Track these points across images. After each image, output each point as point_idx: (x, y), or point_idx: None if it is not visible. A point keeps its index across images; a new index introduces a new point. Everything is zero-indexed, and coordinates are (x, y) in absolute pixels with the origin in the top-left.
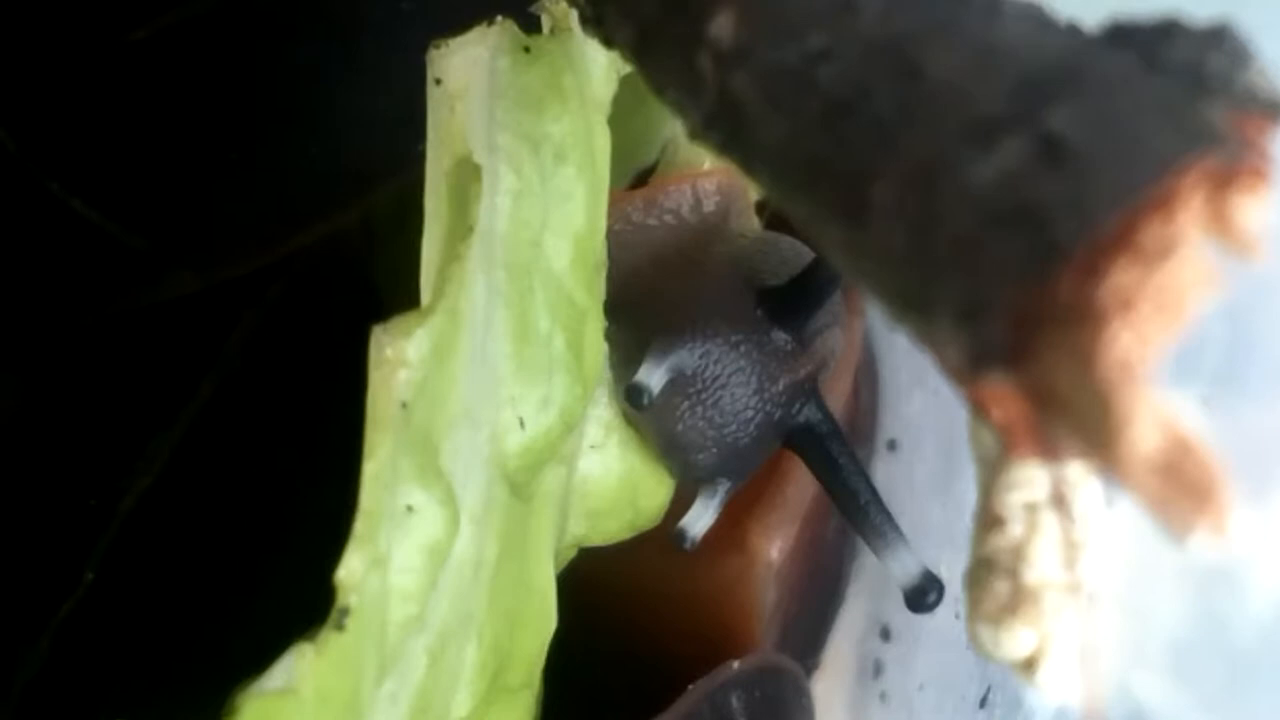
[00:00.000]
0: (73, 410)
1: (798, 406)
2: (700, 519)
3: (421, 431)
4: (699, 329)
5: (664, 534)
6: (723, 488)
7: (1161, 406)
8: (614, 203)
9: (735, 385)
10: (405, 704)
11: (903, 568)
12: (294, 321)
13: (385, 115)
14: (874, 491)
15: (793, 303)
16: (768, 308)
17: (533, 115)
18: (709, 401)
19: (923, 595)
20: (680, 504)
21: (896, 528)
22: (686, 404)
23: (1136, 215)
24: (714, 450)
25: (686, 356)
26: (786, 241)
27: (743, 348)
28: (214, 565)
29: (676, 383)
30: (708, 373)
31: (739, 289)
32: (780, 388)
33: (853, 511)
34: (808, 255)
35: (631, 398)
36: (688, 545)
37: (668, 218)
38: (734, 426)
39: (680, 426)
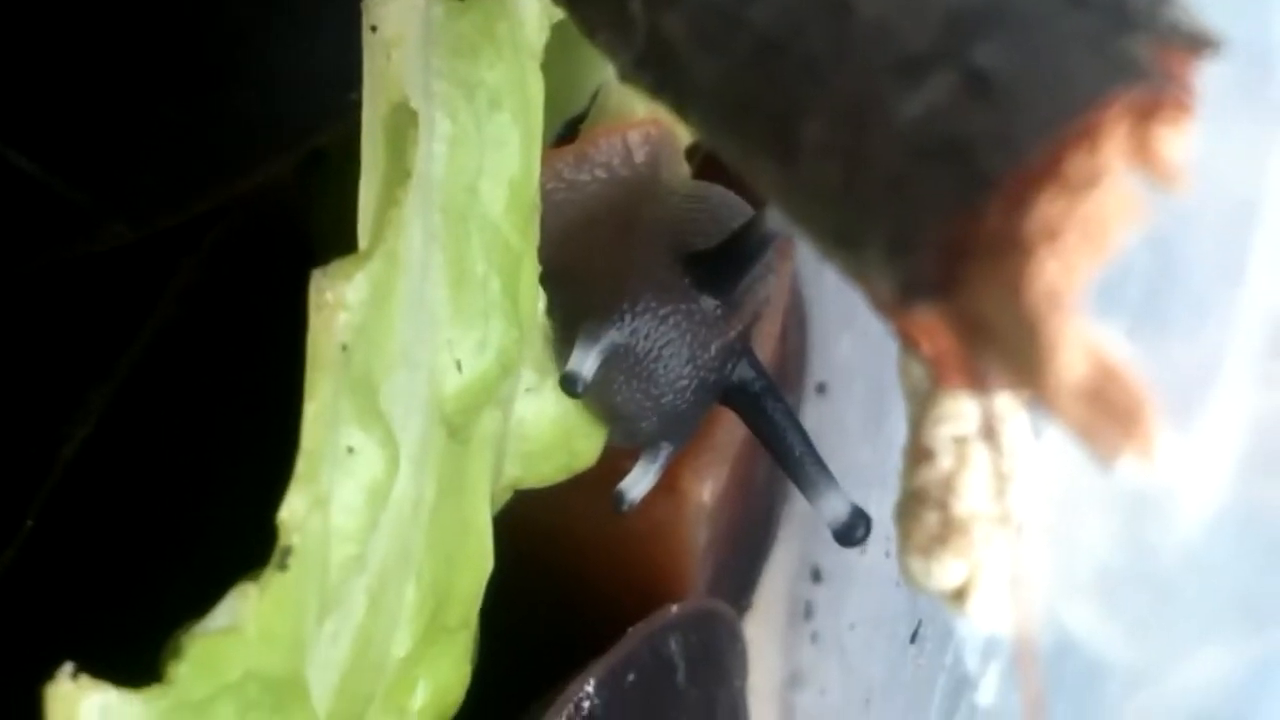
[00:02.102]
0: (10, 361)
1: (730, 366)
2: (640, 482)
3: (361, 374)
4: (628, 307)
5: (597, 477)
6: (665, 451)
7: (1087, 334)
8: (546, 161)
9: (668, 357)
10: (346, 643)
11: (833, 510)
12: (231, 270)
13: (320, 64)
14: (808, 443)
15: (721, 269)
16: (695, 276)
17: (467, 62)
18: (643, 374)
19: (851, 531)
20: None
21: (829, 475)
22: (622, 378)
23: (1062, 147)
24: (654, 418)
25: (617, 336)
26: (717, 192)
27: (672, 319)
28: (155, 511)
29: (610, 360)
30: (639, 348)
31: (668, 260)
32: (712, 353)
33: (788, 463)
34: (738, 207)
35: (566, 386)
36: (626, 508)
37: (599, 172)
38: (670, 395)
39: (619, 399)
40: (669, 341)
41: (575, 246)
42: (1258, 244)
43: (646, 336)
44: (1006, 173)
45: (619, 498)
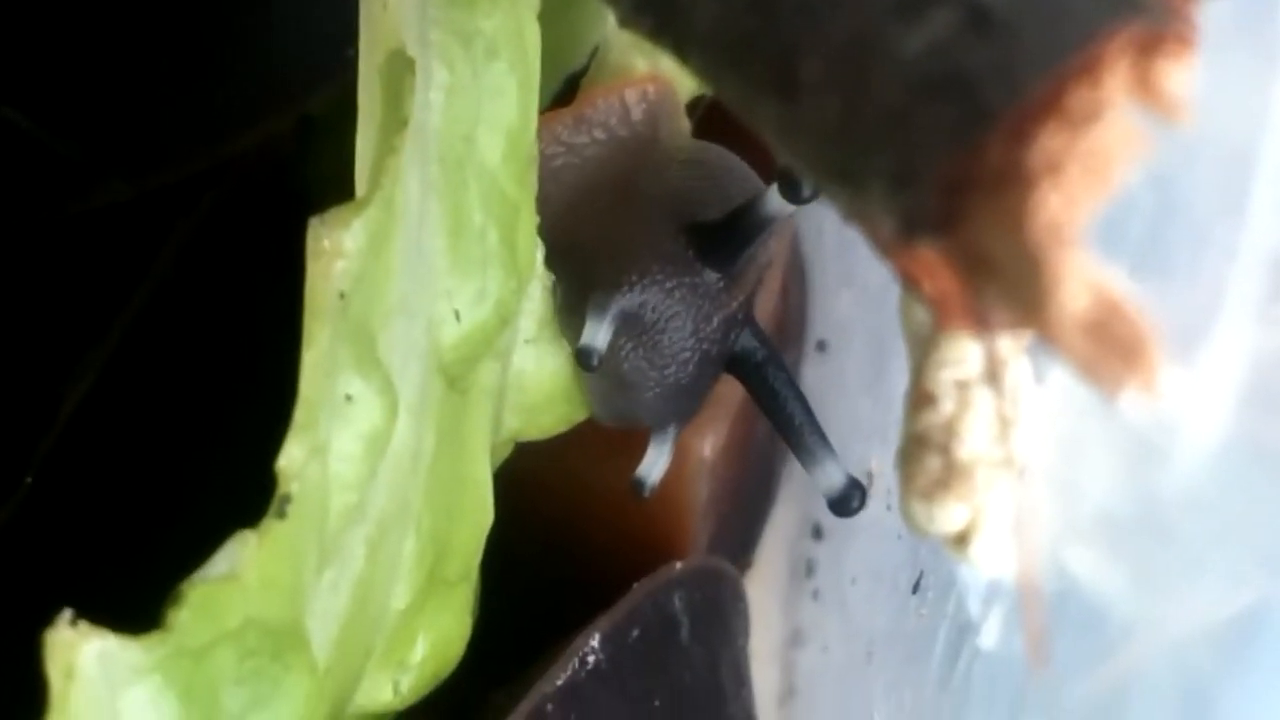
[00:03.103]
0: (9, 319)
1: (733, 336)
2: (656, 464)
3: (359, 322)
4: (636, 279)
5: (597, 431)
6: (672, 430)
7: (1090, 268)
8: (543, 124)
9: (673, 330)
10: (346, 594)
11: (829, 479)
12: (228, 228)
13: (316, 19)
14: (808, 412)
15: (724, 243)
16: (699, 248)
17: (464, 11)
18: (649, 344)
19: (847, 500)
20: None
21: (828, 445)
22: (630, 345)
23: (1063, 81)
24: (658, 390)
25: (626, 304)
26: (715, 154)
27: (678, 293)
28: (154, 465)
29: (618, 329)
30: (646, 319)
31: (672, 231)
32: (715, 325)
33: (787, 432)
34: (739, 171)
35: (581, 360)
36: (647, 493)
37: (598, 133)
38: (673, 368)
39: (625, 366)
40: (675, 314)
41: (579, 216)
42: (1260, 180)
43: (654, 309)
44: (1008, 107)
45: (640, 484)
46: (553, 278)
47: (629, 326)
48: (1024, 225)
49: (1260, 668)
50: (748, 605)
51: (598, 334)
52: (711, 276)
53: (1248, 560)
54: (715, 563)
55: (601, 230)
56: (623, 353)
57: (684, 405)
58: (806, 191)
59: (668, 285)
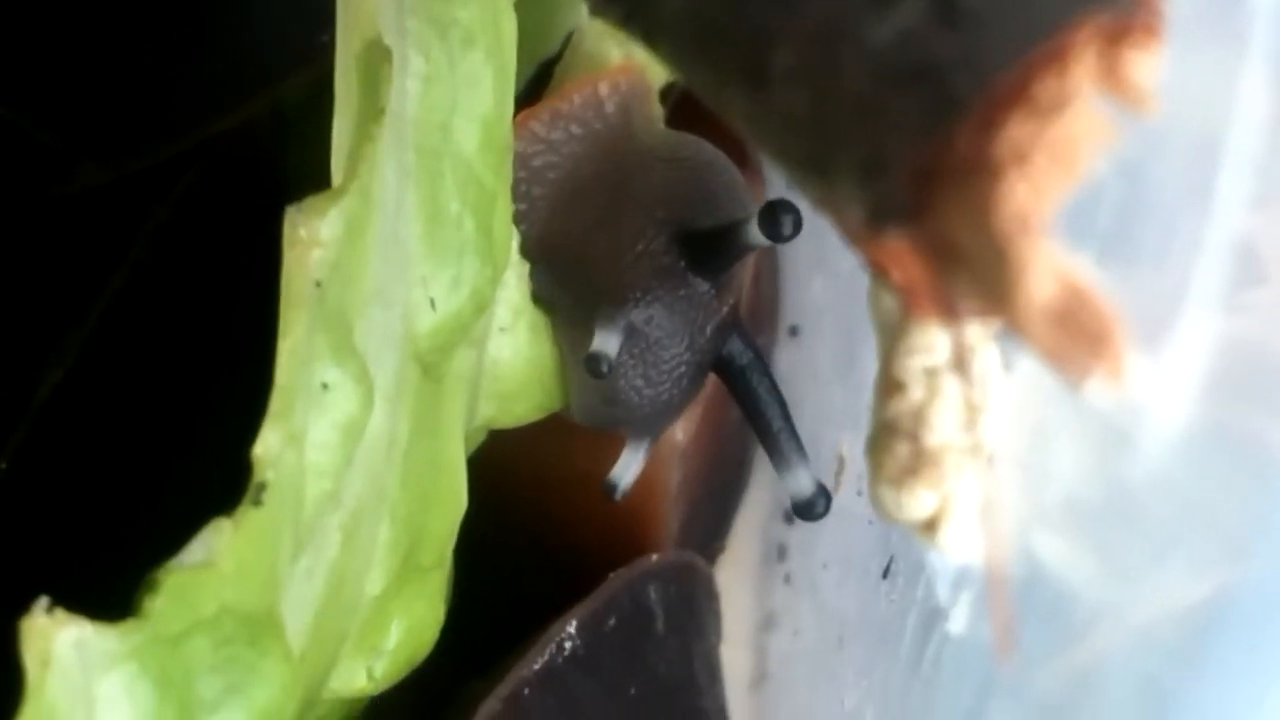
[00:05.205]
0: None
1: (721, 340)
2: (629, 469)
3: (335, 310)
4: (640, 295)
5: (569, 417)
6: (650, 437)
7: (1056, 257)
8: (520, 122)
9: (670, 344)
10: (320, 580)
11: (798, 485)
12: (204, 213)
13: (293, 4)
14: (786, 418)
15: (715, 254)
16: (689, 258)
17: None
18: (648, 360)
19: (811, 506)
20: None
21: (801, 451)
22: (630, 361)
23: (1031, 70)
24: (648, 410)
25: (634, 318)
26: (693, 148)
27: (676, 307)
28: (130, 451)
29: (624, 342)
30: (650, 335)
31: (663, 243)
32: (708, 334)
33: (765, 435)
34: (718, 164)
35: (591, 366)
36: (618, 496)
37: (574, 128)
38: (667, 384)
39: (621, 383)
40: (673, 329)
41: (570, 222)
42: (1226, 169)
43: (658, 325)
44: (976, 96)
45: (611, 486)
46: (549, 283)
47: (632, 342)
48: (991, 214)
49: (1225, 653)
50: (720, 605)
51: (609, 341)
52: (702, 286)
53: (1213, 546)
54: (690, 558)
55: (595, 239)
56: (621, 369)
57: (669, 419)
58: (787, 230)
59: (667, 300)
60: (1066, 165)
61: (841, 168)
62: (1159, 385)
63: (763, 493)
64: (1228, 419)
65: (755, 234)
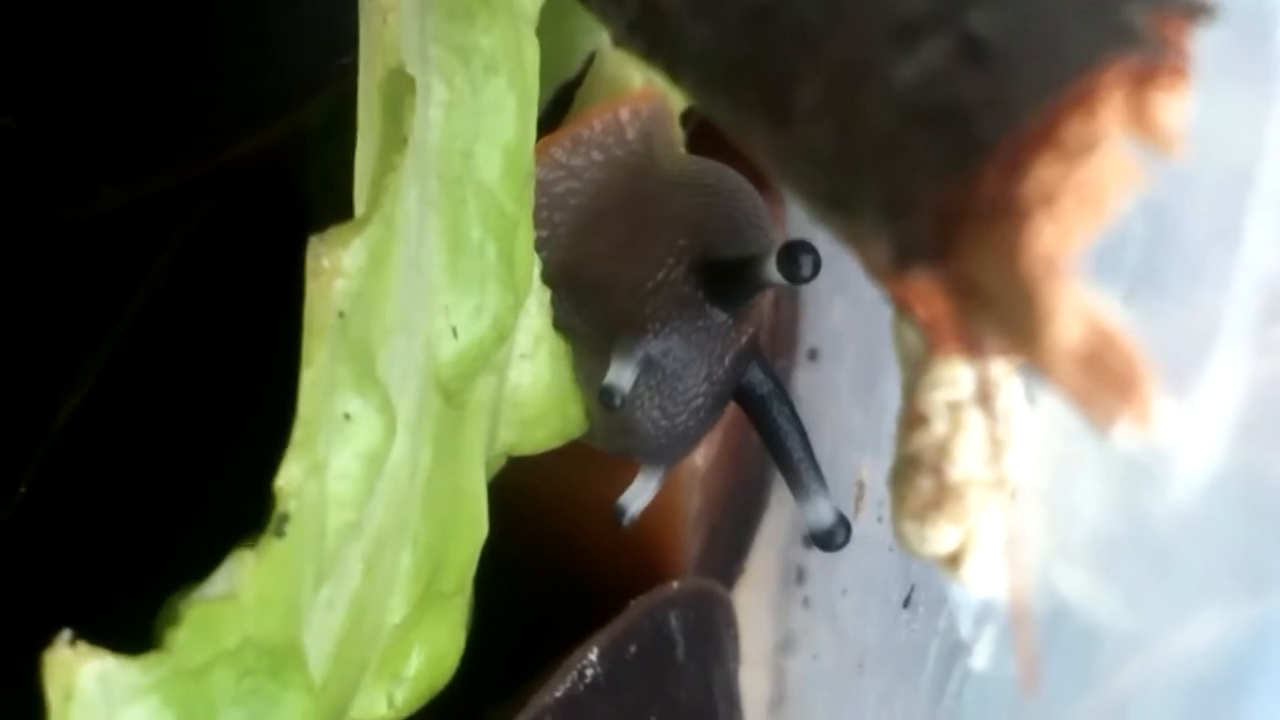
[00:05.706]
0: (3, 327)
1: (741, 369)
2: (640, 496)
3: (358, 340)
4: (659, 327)
5: (590, 443)
6: (665, 465)
7: (1084, 299)
8: (541, 147)
9: (688, 376)
10: (342, 610)
11: (818, 515)
12: (224, 236)
13: (314, 27)
14: (807, 448)
15: (734, 285)
16: (708, 289)
17: (463, 27)
18: (665, 392)
19: (831, 537)
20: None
21: (821, 481)
22: (648, 393)
23: (1058, 112)
24: (665, 441)
25: (652, 350)
26: (714, 174)
27: (694, 338)
28: (150, 478)
29: (640, 373)
30: (668, 367)
31: (683, 272)
32: (726, 365)
33: (785, 465)
34: (739, 190)
35: (604, 398)
36: (626, 522)
37: (596, 154)
38: (684, 415)
39: (638, 414)
40: (691, 360)
41: (589, 247)
42: (1254, 209)
43: (675, 357)
44: (1002, 138)
45: (620, 511)
46: (568, 311)
47: (649, 374)
48: (1018, 256)
49: (1252, 692)
50: (738, 631)
51: (623, 373)
52: (720, 316)
53: (1242, 584)
54: (710, 586)
55: (616, 266)
56: (638, 400)
57: (685, 449)
58: (806, 271)
59: (685, 330)
60: (1094, 208)
61: (865, 206)
62: (1188, 423)
63: (782, 514)
64: (1257, 456)
65: (773, 272)
